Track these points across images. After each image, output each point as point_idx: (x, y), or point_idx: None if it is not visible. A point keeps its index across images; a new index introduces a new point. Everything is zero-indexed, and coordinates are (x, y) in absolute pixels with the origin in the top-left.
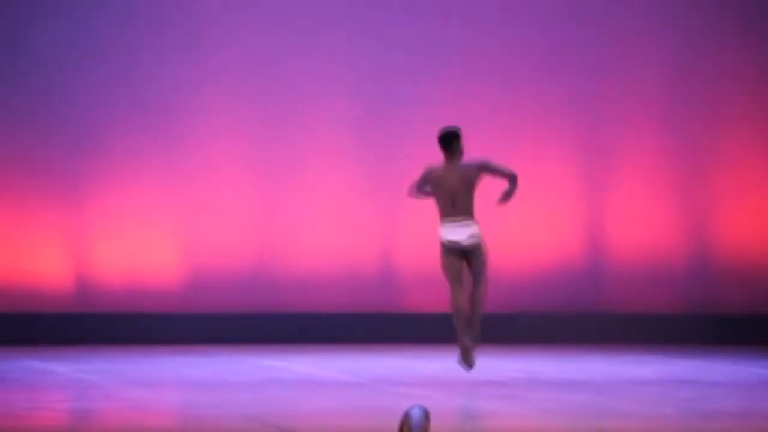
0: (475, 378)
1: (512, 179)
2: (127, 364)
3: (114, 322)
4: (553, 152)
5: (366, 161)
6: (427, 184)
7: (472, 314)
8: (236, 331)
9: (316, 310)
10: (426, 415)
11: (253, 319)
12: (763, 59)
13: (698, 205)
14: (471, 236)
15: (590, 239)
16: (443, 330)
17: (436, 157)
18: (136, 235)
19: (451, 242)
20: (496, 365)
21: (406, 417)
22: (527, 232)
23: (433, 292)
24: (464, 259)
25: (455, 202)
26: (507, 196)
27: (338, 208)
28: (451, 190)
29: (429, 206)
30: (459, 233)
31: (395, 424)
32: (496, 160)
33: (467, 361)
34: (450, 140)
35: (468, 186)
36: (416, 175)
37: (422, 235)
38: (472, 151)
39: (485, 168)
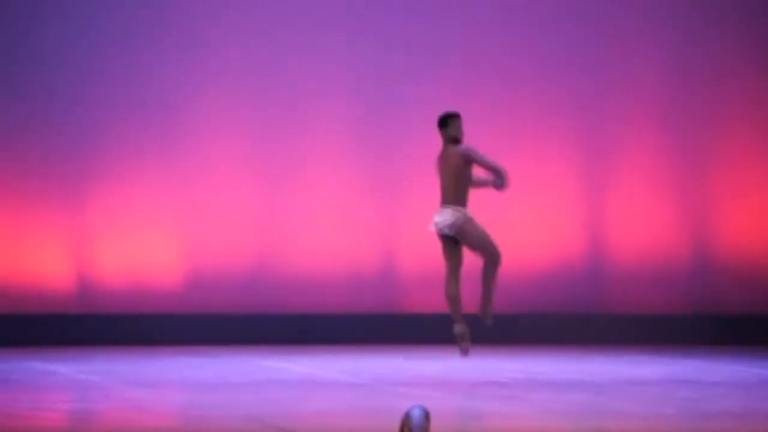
0: (475, 378)
1: (495, 171)
2: (128, 365)
3: (115, 323)
4: (553, 152)
5: (366, 161)
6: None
7: (482, 290)
8: (237, 332)
9: (316, 310)
10: (426, 416)
11: (253, 319)
12: (763, 59)
13: (698, 205)
14: (451, 225)
15: (590, 239)
16: (444, 330)
17: (435, 157)
18: (136, 235)
19: (434, 228)
20: (496, 365)
21: (407, 417)
22: (527, 232)
23: (433, 293)
24: (458, 244)
25: (444, 188)
26: (495, 185)
27: (338, 208)
28: (442, 175)
29: (429, 206)
30: (440, 220)
31: (396, 424)
32: (478, 151)
33: (461, 348)
34: (440, 123)
35: (453, 173)
36: (416, 175)
37: (423, 235)
38: None
39: (467, 157)
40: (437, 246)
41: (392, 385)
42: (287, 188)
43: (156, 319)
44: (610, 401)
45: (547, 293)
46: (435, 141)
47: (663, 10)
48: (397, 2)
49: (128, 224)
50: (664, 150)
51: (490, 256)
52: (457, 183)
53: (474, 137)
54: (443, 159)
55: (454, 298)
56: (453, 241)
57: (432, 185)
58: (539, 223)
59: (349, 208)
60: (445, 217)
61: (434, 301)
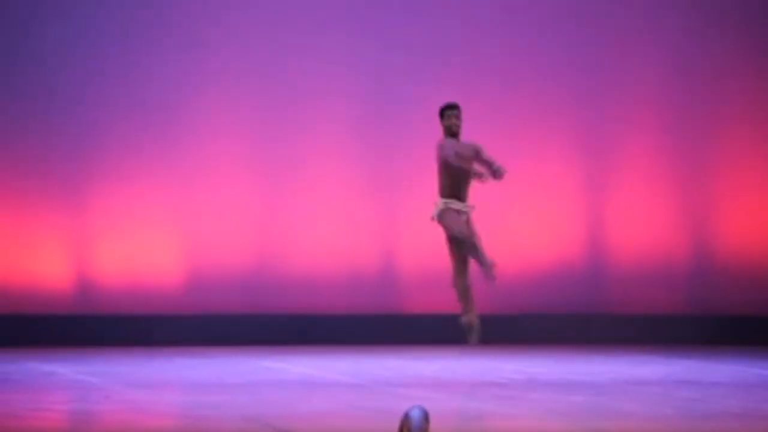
0: (475, 379)
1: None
2: (127, 366)
3: (115, 323)
4: (553, 152)
5: (366, 161)
6: None
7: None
8: (236, 332)
9: (316, 311)
10: (426, 417)
11: (253, 319)
12: (763, 59)
13: (698, 205)
14: (433, 216)
15: (590, 239)
16: (443, 331)
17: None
18: (136, 235)
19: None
20: (496, 366)
21: (406, 418)
22: (527, 232)
23: (433, 293)
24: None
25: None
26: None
27: (338, 208)
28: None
29: (429, 206)
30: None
31: (395, 425)
32: (442, 149)
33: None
34: (439, 114)
35: (438, 164)
36: (416, 175)
37: (423, 235)
38: None
39: (439, 153)
40: (437, 246)
41: (392, 385)
42: (287, 188)
43: (155, 320)
44: (610, 401)
45: (547, 293)
46: (435, 141)
47: (663, 10)
48: (397, 2)
49: (128, 224)
50: (664, 150)
51: (451, 250)
52: (440, 173)
53: (474, 137)
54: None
55: (460, 289)
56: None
57: (432, 185)
58: (539, 223)
59: (349, 208)
60: (434, 209)
61: (434, 302)
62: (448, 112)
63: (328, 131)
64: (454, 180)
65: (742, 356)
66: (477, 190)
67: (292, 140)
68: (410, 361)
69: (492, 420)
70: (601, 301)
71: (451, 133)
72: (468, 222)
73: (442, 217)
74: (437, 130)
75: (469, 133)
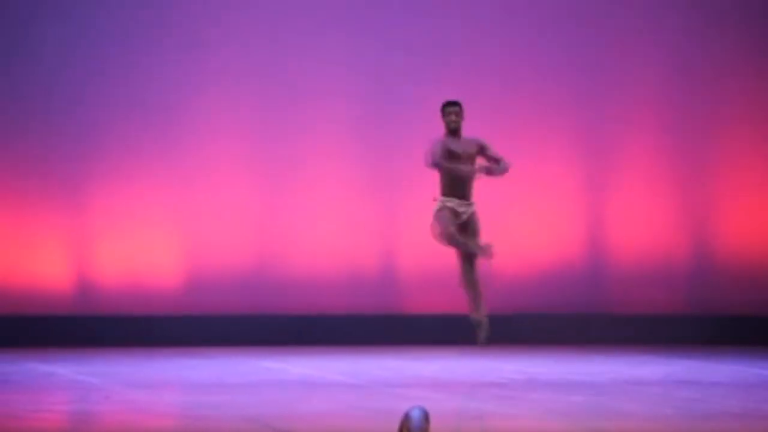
0: (475, 379)
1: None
2: (127, 366)
3: (115, 324)
4: (553, 152)
5: (366, 161)
6: None
7: None
8: (236, 333)
9: (315, 311)
10: (426, 417)
11: (252, 320)
12: (763, 59)
13: (698, 205)
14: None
15: (590, 239)
16: (443, 331)
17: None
18: (136, 235)
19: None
20: (496, 366)
21: (406, 418)
22: (527, 232)
23: (433, 294)
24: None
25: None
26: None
27: (338, 208)
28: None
29: (429, 206)
30: None
31: (395, 425)
32: (426, 156)
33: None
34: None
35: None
36: (416, 175)
37: (423, 235)
38: None
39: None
40: (437, 246)
41: (391, 386)
42: (287, 188)
43: (155, 320)
44: (610, 401)
45: (547, 293)
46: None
47: (663, 10)
48: (397, 2)
49: (128, 224)
50: (664, 150)
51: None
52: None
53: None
54: None
55: (468, 284)
56: (462, 225)
57: (432, 185)
58: (539, 223)
59: (349, 208)
60: None
61: (434, 302)
62: (448, 109)
63: (328, 131)
64: (452, 178)
65: (742, 356)
66: (477, 190)
67: (292, 140)
68: (410, 361)
69: (492, 420)
70: (601, 301)
71: (451, 130)
72: (471, 219)
73: (434, 216)
74: (437, 130)
75: (469, 133)
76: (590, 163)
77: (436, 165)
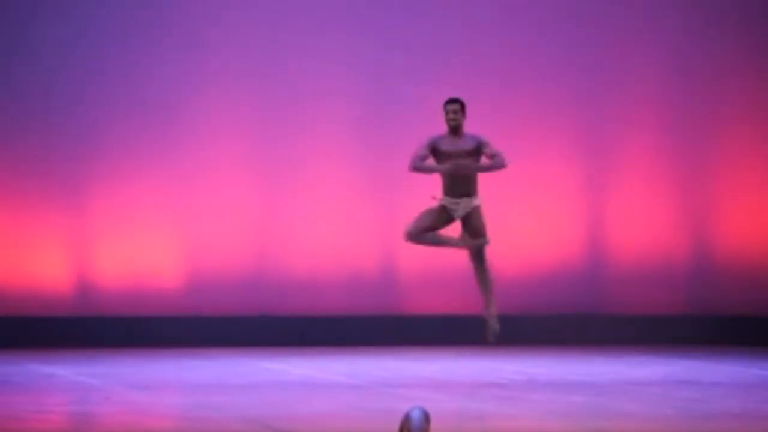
0: (475, 379)
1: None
2: (128, 367)
3: (115, 325)
4: (553, 152)
5: (366, 161)
6: None
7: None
8: (236, 334)
9: (316, 312)
10: (426, 417)
11: (253, 321)
12: (763, 59)
13: (698, 205)
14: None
15: (590, 239)
16: (444, 332)
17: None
18: (136, 236)
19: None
20: (496, 366)
21: (406, 419)
22: (527, 232)
23: (433, 294)
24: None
25: None
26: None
27: (338, 209)
28: None
29: (430, 205)
30: None
31: (395, 426)
32: (411, 159)
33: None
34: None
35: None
36: (416, 175)
37: None
38: None
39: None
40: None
41: (391, 386)
42: (287, 188)
43: (156, 321)
44: (610, 401)
45: (547, 293)
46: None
47: (663, 10)
48: (397, 2)
49: (128, 225)
50: (664, 150)
51: None
52: None
53: None
54: None
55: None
56: (462, 223)
57: (432, 185)
58: (539, 223)
59: (349, 208)
60: None
61: (434, 303)
62: (447, 107)
63: (328, 131)
64: (449, 176)
65: (742, 356)
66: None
67: (292, 140)
68: (410, 361)
69: (492, 420)
70: (601, 302)
71: (451, 128)
72: (471, 215)
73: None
74: (437, 130)
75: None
76: (590, 163)
77: (414, 170)
